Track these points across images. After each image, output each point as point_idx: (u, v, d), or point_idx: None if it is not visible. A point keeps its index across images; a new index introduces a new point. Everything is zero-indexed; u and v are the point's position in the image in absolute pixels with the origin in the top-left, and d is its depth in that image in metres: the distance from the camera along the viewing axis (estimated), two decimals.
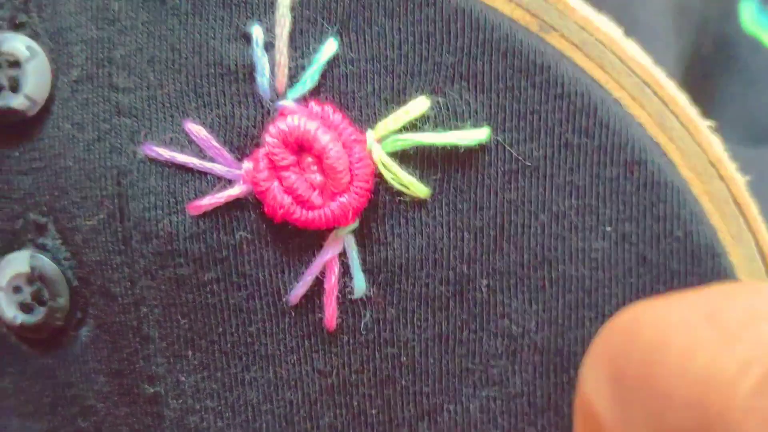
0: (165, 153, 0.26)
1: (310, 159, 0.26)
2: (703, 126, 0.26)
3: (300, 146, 0.26)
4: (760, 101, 0.41)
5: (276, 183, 0.26)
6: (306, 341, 0.27)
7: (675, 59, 0.39)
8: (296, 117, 0.25)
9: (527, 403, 0.27)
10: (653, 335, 0.19)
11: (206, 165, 0.26)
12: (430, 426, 0.27)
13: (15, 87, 0.26)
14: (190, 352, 0.27)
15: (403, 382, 0.27)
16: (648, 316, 0.20)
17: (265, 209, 0.26)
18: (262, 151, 0.26)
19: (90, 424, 0.28)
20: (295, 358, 0.27)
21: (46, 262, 0.27)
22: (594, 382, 0.21)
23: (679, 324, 0.19)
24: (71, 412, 0.28)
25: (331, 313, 0.27)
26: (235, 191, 0.26)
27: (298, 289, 0.27)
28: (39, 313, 0.27)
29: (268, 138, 0.26)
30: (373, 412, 0.27)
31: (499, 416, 0.27)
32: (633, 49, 0.26)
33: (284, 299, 0.27)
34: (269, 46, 0.26)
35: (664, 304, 0.20)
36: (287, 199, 0.26)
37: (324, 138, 0.25)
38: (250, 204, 0.26)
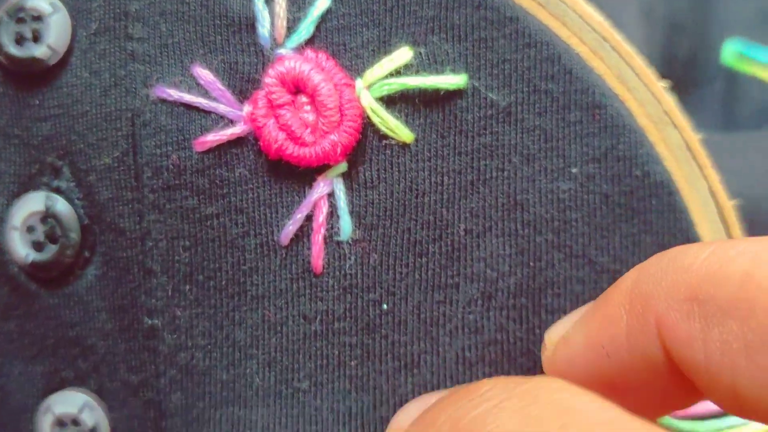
0: (174, 93, 0.28)
1: (304, 99, 0.28)
2: (657, 80, 0.29)
3: (296, 88, 0.28)
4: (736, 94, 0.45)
5: (272, 120, 0.28)
6: (294, 284, 0.29)
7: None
8: (293, 60, 0.28)
9: (501, 350, 0.29)
10: (745, 266, 0.23)
11: (211, 104, 0.29)
12: (407, 378, 0.29)
13: (37, 39, 0.29)
14: (187, 287, 0.29)
15: (383, 331, 0.29)
16: (733, 251, 0.24)
17: (261, 145, 0.28)
18: (261, 93, 0.28)
19: (89, 365, 0.30)
20: (282, 301, 0.29)
21: (60, 201, 0.29)
22: (668, 302, 0.24)
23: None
24: (72, 353, 0.30)
25: (317, 252, 0.29)
26: (236, 129, 0.28)
27: (288, 227, 0.29)
28: (50, 251, 0.29)
29: (266, 79, 0.28)
30: (353, 363, 0.29)
31: (474, 365, 0.29)
32: (591, 10, 0.29)
33: (276, 238, 0.29)
34: (269, 0, 0.29)
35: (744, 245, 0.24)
36: (281, 135, 0.28)
37: (317, 77, 0.28)
38: (250, 143, 0.29)
